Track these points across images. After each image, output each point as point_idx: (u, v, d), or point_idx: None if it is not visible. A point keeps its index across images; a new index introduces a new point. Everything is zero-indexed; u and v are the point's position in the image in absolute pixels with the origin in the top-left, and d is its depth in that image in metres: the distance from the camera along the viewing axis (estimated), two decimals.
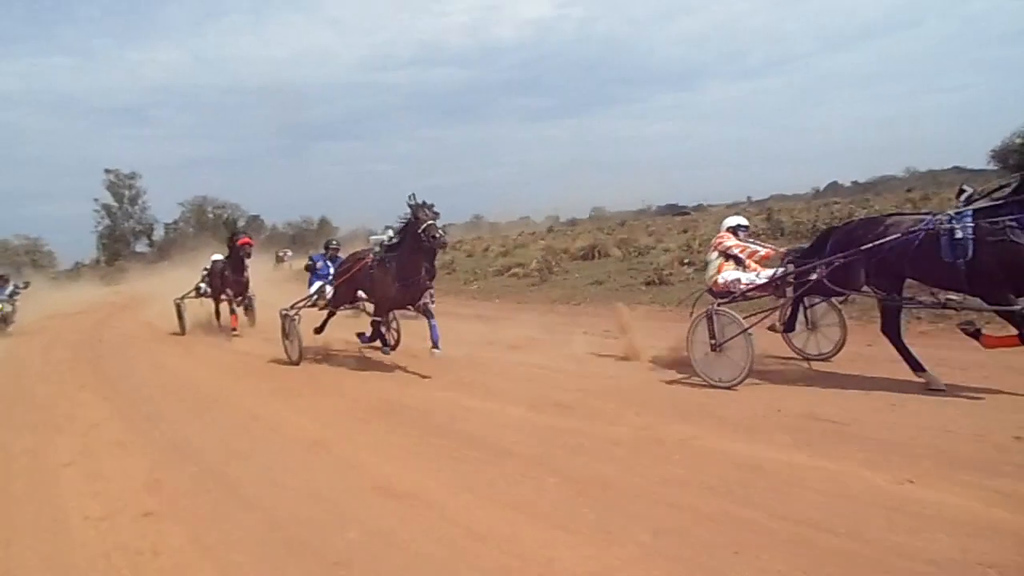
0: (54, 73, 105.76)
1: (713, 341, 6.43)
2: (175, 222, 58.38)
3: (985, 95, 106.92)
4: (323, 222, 62.38)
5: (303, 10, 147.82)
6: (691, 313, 6.91)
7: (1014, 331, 5.16)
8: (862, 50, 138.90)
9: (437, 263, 8.79)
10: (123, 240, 55.50)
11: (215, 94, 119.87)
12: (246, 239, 12.78)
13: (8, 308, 16.62)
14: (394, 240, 8.36)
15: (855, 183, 65.35)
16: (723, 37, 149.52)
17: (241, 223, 57.33)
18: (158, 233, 58.21)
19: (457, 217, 66.75)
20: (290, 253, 30.39)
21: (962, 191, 5.68)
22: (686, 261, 15.10)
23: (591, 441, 5.17)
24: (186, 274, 17.89)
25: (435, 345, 7.94)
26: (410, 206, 7.93)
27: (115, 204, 56.50)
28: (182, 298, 14.20)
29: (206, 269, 14.10)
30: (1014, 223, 5.01)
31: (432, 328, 8.01)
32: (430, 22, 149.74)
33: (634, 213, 57.57)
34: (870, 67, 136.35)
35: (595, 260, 19.47)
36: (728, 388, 6.21)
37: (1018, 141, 45.99)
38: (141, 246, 56.72)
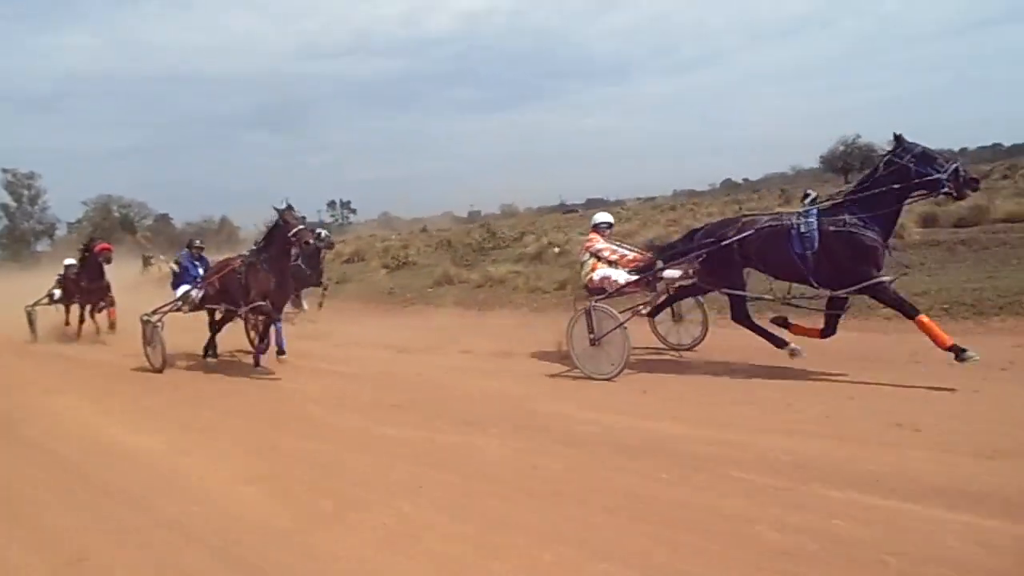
0: None
1: (592, 336, 6.71)
2: (79, 221, 55.71)
3: (899, 93, 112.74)
4: (224, 222, 59.25)
5: None
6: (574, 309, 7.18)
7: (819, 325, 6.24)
8: (787, 46, 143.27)
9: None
10: (24, 240, 53.35)
11: (135, 82, 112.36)
12: (104, 245, 12.72)
13: None
14: (260, 244, 8.43)
15: (746, 180, 69.71)
16: (654, 31, 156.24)
17: (148, 222, 56.17)
18: (61, 232, 55.79)
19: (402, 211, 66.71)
20: (162, 256, 28.59)
21: (807, 194, 6.45)
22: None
23: None
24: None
25: (280, 351, 8.43)
26: (278, 211, 8.03)
27: (13, 204, 55.20)
28: (33, 305, 13.62)
29: (59, 275, 13.61)
30: (854, 219, 5.74)
31: (277, 331, 8.40)
32: (363, 11, 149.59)
33: (534, 211, 58.92)
34: (795, 63, 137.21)
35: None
36: (607, 380, 6.51)
37: (841, 148, 51.16)
38: (43, 246, 54.00)
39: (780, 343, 6.27)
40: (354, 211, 75.86)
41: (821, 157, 51.67)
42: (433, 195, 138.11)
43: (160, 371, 8.92)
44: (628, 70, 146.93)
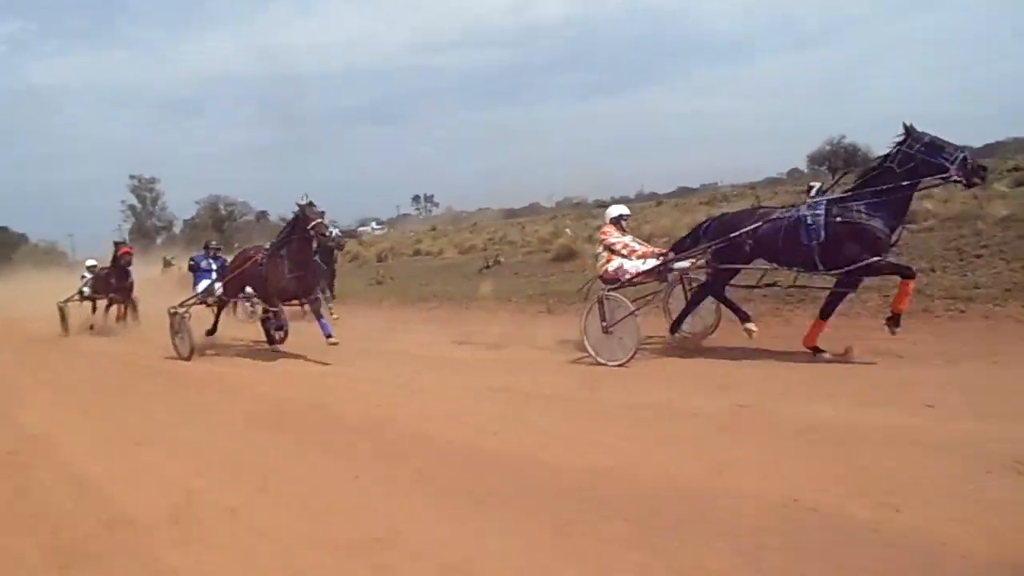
0: (113, 67, 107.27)
1: (604, 324, 6.83)
2: (193, 218, 61.89)
3: None
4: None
5: None
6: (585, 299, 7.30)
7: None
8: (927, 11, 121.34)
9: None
10: (148, 236, 58.23)
11: (264, 83, 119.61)
12: (126, 249, 13.57)
13: None
14: (279, 238, 8.80)
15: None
16: (776, 4, 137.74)
17: (248, 219, 61.48)
18: (177, 228, 62.09)
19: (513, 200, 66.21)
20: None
21: (811, 187, 6.63)
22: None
23: None
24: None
25: (327, 336, 8.30)
26: (298, 205, 8.45)
27: (139, 205, 62.72)
28: (65, 301, 14.51)
29: (84, 276, 14.82)
30: (861, 208, 5.90)
31: (322, 326, 8.40)
32: (474, 3, 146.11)
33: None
34: (932, 32, 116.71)
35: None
36: (619, 366, 6.65)
37: (828, 148, 51.99)
38: (161, 240, 58.81)
39: (745, 317, 6.70)
40: (436, 204, 77.05)
41: (809, 156, 52.14)
42: (541, 183, 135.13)
43: (188, 360, 9.22)
44: (747, 48, 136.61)
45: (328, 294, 11.55)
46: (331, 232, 9.18)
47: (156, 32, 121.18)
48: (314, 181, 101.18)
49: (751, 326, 6.56)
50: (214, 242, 11.54)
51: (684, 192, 54.03)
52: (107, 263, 13.76)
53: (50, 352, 11.78)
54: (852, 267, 5.88)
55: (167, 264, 26.29)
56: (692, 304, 7.05)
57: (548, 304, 10.66)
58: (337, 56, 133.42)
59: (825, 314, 6.17)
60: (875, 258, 5.75)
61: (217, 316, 9.76)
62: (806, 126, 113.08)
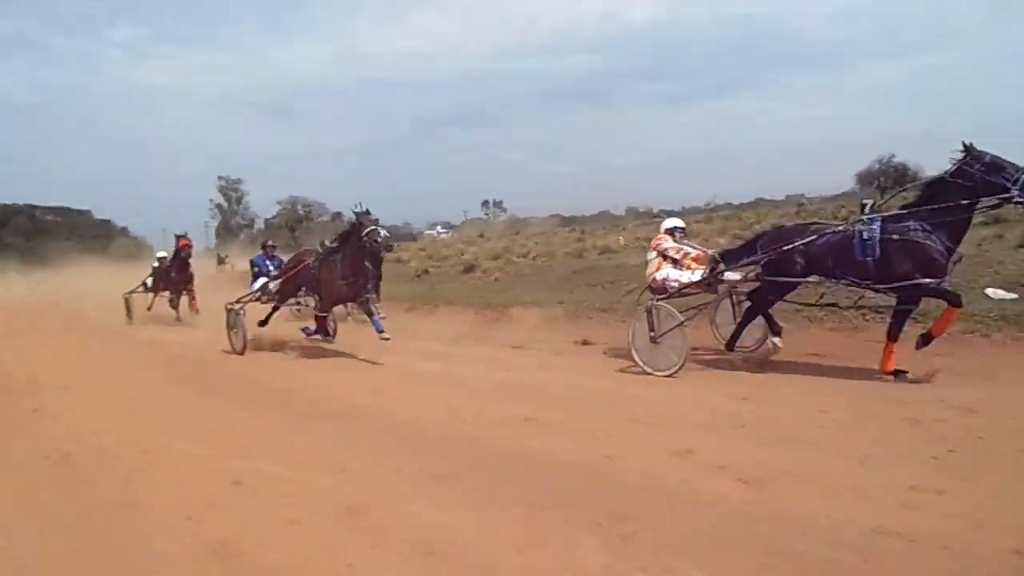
0: (214, 70, 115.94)
1: (652, 333, 6.80)
2: (273, 217, 64.78)
3: None
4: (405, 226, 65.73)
5: (436, 4, 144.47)
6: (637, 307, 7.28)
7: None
8: None
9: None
10: (232, 233, 62.70)
11: (356, 87, 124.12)
12: (185, 242, 14.18)
13: None
14: (334, 243, 9.07)
15: None
16: (876, 9, 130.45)
17: (323, 219, 62.57)
18: (258, 226, 65.59)
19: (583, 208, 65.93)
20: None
21: (864, 204, 6.57)
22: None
23: None
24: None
25: (380, 332, 8.47)
26: (355, 213, 8.77)
27: (225, 204, 66.45)
28: (130, 293, 15.30)
29: (153, 267, 15.46)
30: (917, 227, 5.79)
31: (375, 323, 8.58)
32: (562, 10, 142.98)
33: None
34: None
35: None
36: (668, 376, 6.59)
37: (877, 166, 50.89)
38: (244, 237, 62.54)
39: (776, 332, 6.76)
40: (504, 210, 76.54)
41: (857, 175, 51.18)
42: (619, 190, 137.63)
43: (241, 354, 9.58)
44: (844, 54, 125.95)
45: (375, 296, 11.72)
46: (385, 235, 9.33)
47: (255, 38, 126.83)
48: (397, 184, 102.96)
49: (778, 341, 6.63)
50: (270, 242, 11.87)
51: (760, 204, 53.11)
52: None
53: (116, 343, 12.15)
54: (902, 284, 5.82)
55: (221, 262, 27.11)
56: (745, 320, 6.98)
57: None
58: (424, 62, 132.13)
59: (893, 336, 6.02)
60: (928, 280, 5.68)
61: (271, 312, 10.08)
62: (903, 136, 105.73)
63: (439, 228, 66.52)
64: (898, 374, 5.82)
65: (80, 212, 65.40)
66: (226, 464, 4.55)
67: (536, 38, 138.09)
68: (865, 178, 49.29)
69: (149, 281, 15.28)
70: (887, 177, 50.96)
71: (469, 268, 16.67)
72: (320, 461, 4.53)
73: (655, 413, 5.35)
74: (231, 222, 66.23)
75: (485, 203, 77.40)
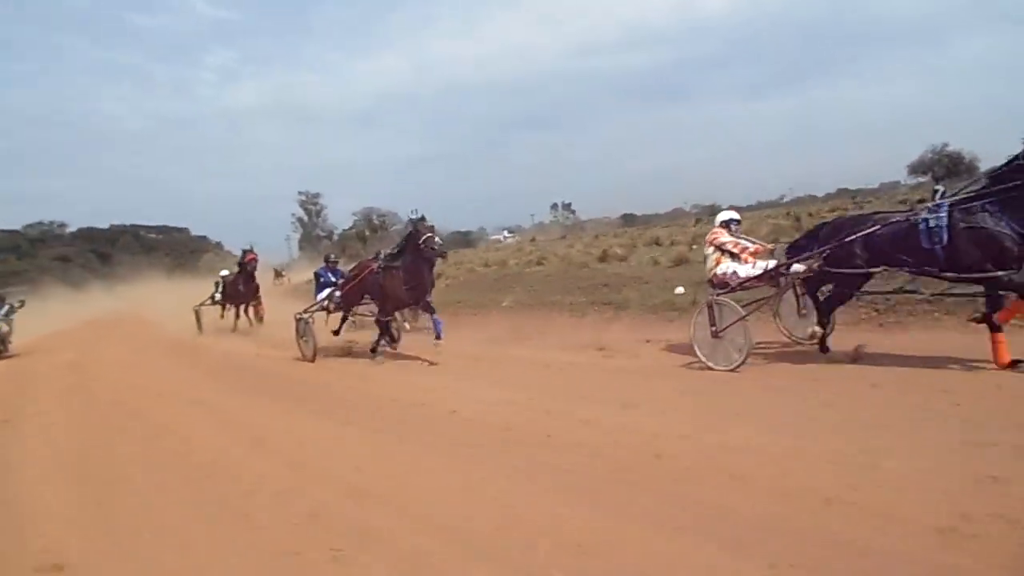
0: (299, 87, 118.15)
1: (714, 328, 6.55)
2: (351, 227, 66.70)
3: None
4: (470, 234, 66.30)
5: (509, 7, 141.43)
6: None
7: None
8: None
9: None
10: (313, 243, 63.60)
11: (433, 95, 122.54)
12: (252, 256, 14.39)
13: (4, 328, 15.09)
14: (395, 251, 9.07)
15: None
16: None
17: (397, 228, 62.55)
18: (336, 237, 67.03)
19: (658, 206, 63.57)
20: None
21: (935, 191, 6.10)
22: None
23: None
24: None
25: (438, 336, 8.60)
26: (412, 220, 8.79)
27: (305, 217, 68.49)
28: (199, 305, 15.75)
29: (217, 282, 16.05)
30: (986, 212, 5.38)
31: (435, 323, 8.65)
32: (634, 4, 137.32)
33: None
34: None
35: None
36: (730, 371, 6.32)
37: (930, 156, 48.04)
38: (322, 247, 63.61)
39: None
40: (573, 212, 74.46)
41: (909, 165, 48.45)
42: (699, 185, 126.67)
43: (312, 361, 9.65)
44: (938, 28, 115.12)
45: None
46: (436, 245, 9.26)
47: (336, 54, 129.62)
48: (475, 188, 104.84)
49: (817, 330, 6.33)
50: (332, 256, 11.99)
51: (842, 194, 49.86)
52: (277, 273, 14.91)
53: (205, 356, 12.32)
54: (975, 276, 5.46)
55: (278, 275, 27.00)
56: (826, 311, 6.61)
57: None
58: (498, 66, 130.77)
59: (995, 327, 5.55)
60: (1000, 271, 5.30)
61: (341, 321, 10.20)
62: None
63: (505, 233, 65.32)
64: (1016, 364, 5.34)
65: (179, 230, 69.15)
66: None
67: (608, 35, 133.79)
68: (918, 168, 46.40)
69: (218, 295, 15.71)
70: (940, 166, 48.12)
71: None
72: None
73: None
74: (312, 233, 67.70)
75: (554, 206, 75.28)
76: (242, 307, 14.79)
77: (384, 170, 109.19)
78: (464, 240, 61.62)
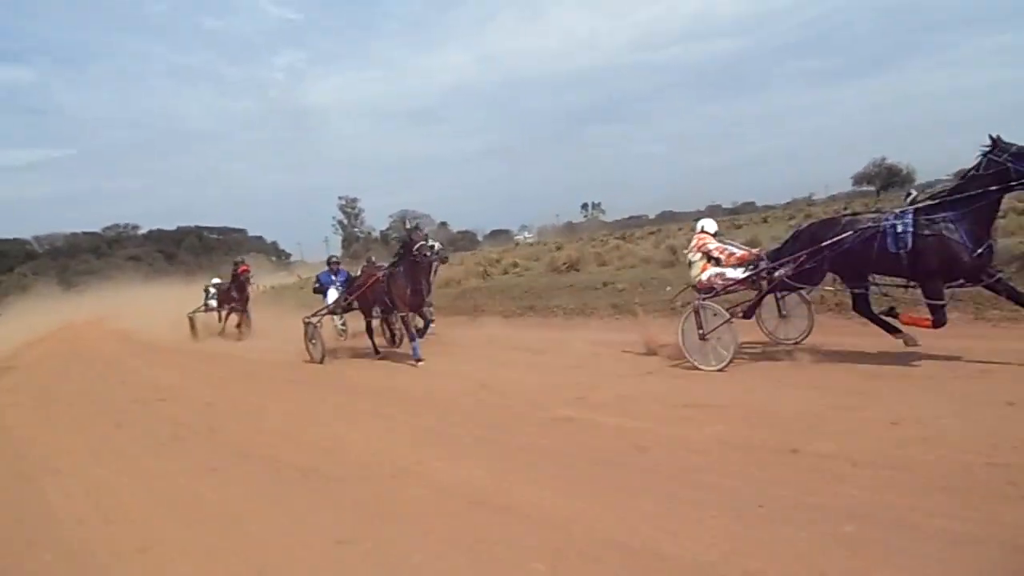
0: (364, 84, 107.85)
1: (701, 331, 6.23)
2: (388, 229, 63.88)
3: None
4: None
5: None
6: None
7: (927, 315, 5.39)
8: None
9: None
10: (351, 245, 61.21)
11: (495, 89, 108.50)
12: (244, 267, 13.94)
13: None
14: (396, 258, 8.70)
15: None
16: None
17: (432, 229, 59.49)
18: (374, 237, 64.45)
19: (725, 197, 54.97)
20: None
21: (908, 194, 5.73)
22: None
23: None
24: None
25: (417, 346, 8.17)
26: (407, 230, 8.61)
27: (346, 221, 66.44)
28: (194, 312, 14.96)
29: (207, 291, 15.27)
30: (948, 217, 5.13)
31: (412, 347, 8.22)
32: None
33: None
34: None
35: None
36: (718, 371, 5.97)
37: (872, 168, 47.14)
38: (359, 247, 62.36)
39: (895, 331, 5.66)
40: (603, 212, 67.87)
41: (853, 176, 47.62)
42: (769, 178, 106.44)
43: (321, 363, 9.10)
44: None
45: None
46: (435, 247, 8.70)
47: (401, 51, 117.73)
48: (536, 181, 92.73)
49: (905, 337, 5.60)
50: (334, 257, 11.28)
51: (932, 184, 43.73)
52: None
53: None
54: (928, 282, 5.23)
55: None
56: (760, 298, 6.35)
57: None
58: (561, 58, 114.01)
59: (936, 323, 5.30)
60: (948, 281, 5.15)
61: (368, 324, 9.51)
62: None
63: (526, 234, 59.75)
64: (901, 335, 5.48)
65: (237, 230, 67.64)
66: None
67: (673, 26, 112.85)
68: (862, 178, 45.58)
69: (213, 303, 15.08)
70: (879, 178, 47.27)
71: None
72: None
73: None
74: (351, 234, 65.80)
75: (584, 205, 68.83)
76: (238, 312, 14.18)
77: (447, 164, 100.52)
78: (491, 237, 58.26)
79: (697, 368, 6.04)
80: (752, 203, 54.70)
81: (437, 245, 9.47)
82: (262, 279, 22.02)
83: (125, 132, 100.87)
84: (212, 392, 7.98)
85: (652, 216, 56.60)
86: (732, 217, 35.87)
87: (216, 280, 15.67)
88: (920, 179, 43.26)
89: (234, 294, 13.96)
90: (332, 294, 10.05)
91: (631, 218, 57.89)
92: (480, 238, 62.68)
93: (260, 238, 65.43)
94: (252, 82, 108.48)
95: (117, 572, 3.26)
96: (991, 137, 5.12)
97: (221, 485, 4.34)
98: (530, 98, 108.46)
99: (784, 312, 6.53)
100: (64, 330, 20.54)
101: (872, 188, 44.06)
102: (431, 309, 10.29)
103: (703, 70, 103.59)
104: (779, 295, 6.44)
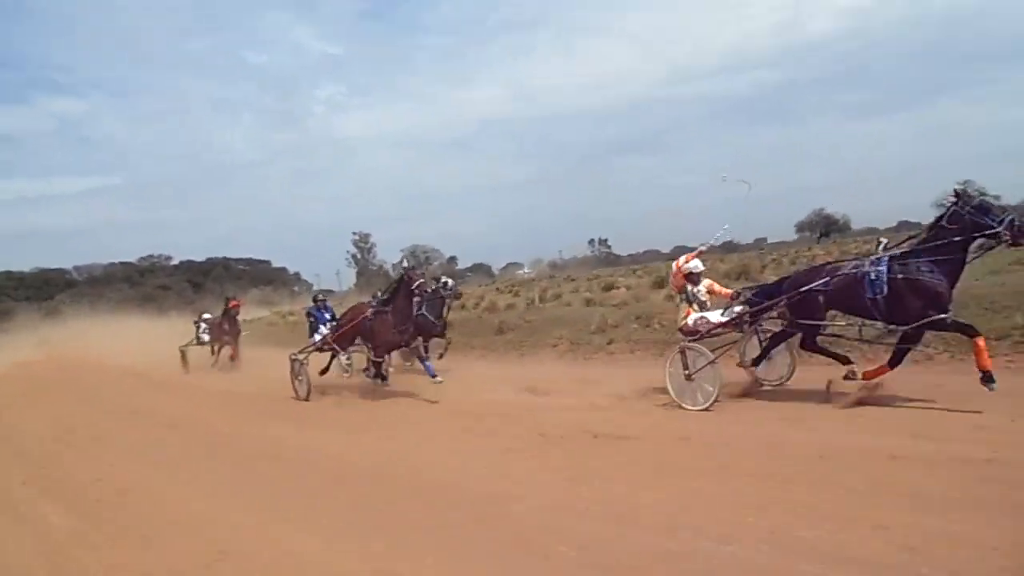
0: (400, 116, 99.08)
1: (686, 372, 5.85)
2: (400, 262, 61.27)
3: None
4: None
5: (605, 33, 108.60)
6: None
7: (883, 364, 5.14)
8: None
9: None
10: (365, 277, 58.03)
11: (527, 122, 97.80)
12: (235, 303, 13.37)
13: None
14: (385, 296, 7.96)
15: None
16: None
17: (435, 264, 57.42)
18: (386, 270, 61.77)
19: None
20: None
21: (879, 242, 5.41)
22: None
23: None
24: None
25: (432, 375, 7.37)
26: (403, 268, 8.06)
27: (359, 255, 62.32)
28: (185, 345, 13.81)
29: (198, 325, 14.10)
30: (920, 264, 4.87)
31: (426, 367, 7.61)
32: (734, 28, 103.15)
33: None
34: None
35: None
36: (704, 410, 5.53)
37: (814, 218, 47.46)
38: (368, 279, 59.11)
39: (845, 360, 5.39)
40: (610, 247, 62.38)
41: (796, 224, 47.63)
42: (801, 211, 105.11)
43: (306, 400, 8.25)
44: None
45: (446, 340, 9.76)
46: (447, 283, 8.60)
47: (434, 85, 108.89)
48: (569, 212, 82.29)
49: (852, 370, 5.28)
50: (320, 295, 10.35)
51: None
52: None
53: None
54: (918, 324, 4.84)
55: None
56: (771, 346, 5.86)
57: None
58: (596, 92, 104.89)
59: (893, 364, 5.06)
60: (940, 315, 4.77)
61: (330, 360, 8.81)
62: None
63: (525, 268, 55.59)
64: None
65: (262, 261, 64.26)
66: None
67: (708, 59, 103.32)
68: (805, 227, 45.66)
69: (205, 336, 13.94)
70: (817, 227, 47.56)
71: None
72: None
73: None
74: (367, 268, 61.93)
75: (592, 241, 62.84)
76: (224, 347, 13.46)
77: (480, 196, 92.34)
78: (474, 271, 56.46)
79: (684, 407, 5.51)
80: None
81: (450, 282, 8.93)
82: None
83: (167, 164, 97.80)
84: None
85: (667, 250, 48.26)
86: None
87: (207, 315, 14.60)
88: (856, 227, 44.08)
89: (226, 327, 13.27)
90: (323, 330, 9.10)
91: (646, 252, 52.53)
92: (495, 271, 58.53)
93: (283, 269, 62.69)
94: (291, 115, 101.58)
95: None
96: (955, 190, 4.88)
97: None
98: (565, 132, 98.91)
99: (769, 354, 5.98)
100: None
101: (814, 235, 44.55)
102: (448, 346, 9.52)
103: (737, 102, 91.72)
104: (762, 336, 5.94)
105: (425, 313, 8.55)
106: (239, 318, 13.41)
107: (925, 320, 4.78)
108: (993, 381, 4.63)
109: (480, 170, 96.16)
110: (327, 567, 3.09)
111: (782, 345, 5.97)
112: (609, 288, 16.39)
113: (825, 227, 48.38)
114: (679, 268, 6.17)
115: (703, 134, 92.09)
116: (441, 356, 9.08)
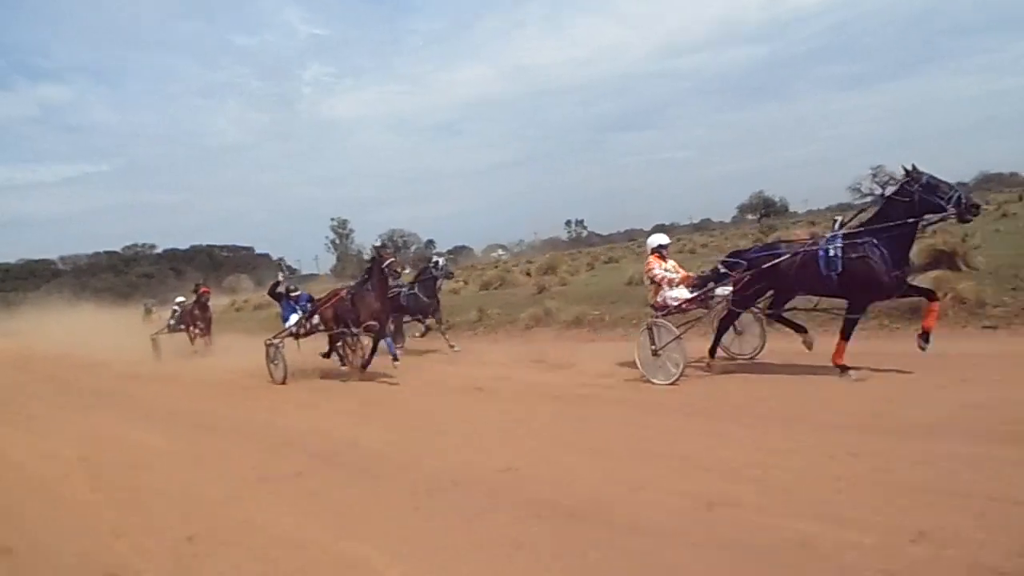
0: (392, 98, 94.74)
1: (654, 348, 5.57)
2: (376, 247, 57.88)
3: None
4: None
5: (595, 10, 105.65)
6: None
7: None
8: None
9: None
10: (343, 262, 57.52)
11: (517, 101, 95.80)
12: (205, 289, 12.57)
13: None
14: (364, 276, 7.53)
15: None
16: None
17: (418, 248, 56.56)
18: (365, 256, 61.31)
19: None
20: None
21: (835, 220, 5.17)
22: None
23: None
24: None
25: (394, 357, 7.06)
26: (374, 248, 7.50)
27: (338, 240, 60.94)
28: (156, 334, 13.13)
29: (174, 310, 13.63)
30: (872, 242, 4.69)
31: (388, 344, 7.23)
32: (723, 2, 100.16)
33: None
34: None
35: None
36: (669, 385, 5.25)
37: (754, 201, 48.05)
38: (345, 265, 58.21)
39: (801, 329, 5.34)
40: (585, 228, 61.23)
41: (738, 206, 48.17)
42: (800, 184, 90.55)
43: (284, 384, 7.68)
44: None
45: (437, 320, 9.03)
46: (439, 263, 8.18)
47: (425, 66, 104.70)
48: (559, 192, 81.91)
49: (809, 338, 5.35)
50: (291, 285, 9.33)
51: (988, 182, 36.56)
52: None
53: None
54: (862, 299, 4.77)
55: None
56: (720, 331, 5.61)
57: None
58: (586, 69, 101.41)
59: (846, 336, 4.84)
60: (883, 294, 4.76)
61: (331, 347, 8.09)
62: None
63: (500, 251, 54.32)
64: (844, 369, 4.72)
65: (246, 248, 62.67)
66: None
67: (697, 34, 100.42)
68: (746, 209, 46.25)
69: (172, 322, 13.31)
70: (756, 209, 48.15)
71: None
72: None
73: None
74: (346, 254, 61.41)
75: (568, 223, 61.56)
76: (200, 330, 12.73)
77: (470, 175, 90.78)
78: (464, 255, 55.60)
79: (650, 381, 5.29)
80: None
81: (441, 261, 8.52)
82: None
83: (155, 147, 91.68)
84: None
85: (647, 229, 50.37)
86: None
87: (180, 299, 14.00)
88: (793, 209, 44.86)
89: (197, 312, 12.62)
90: (293, 317, 8.20)
91: (627, 231, 52.91)
92: (478, 253, 57.43)
93: (267, 256, 60.00)
94: (280, 97, 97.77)
95: None
96: (905, 169, 4.71)
97: None
98: (554, 109, 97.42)
99: (739, 329, 5.88)
100: None
101: (754, 217, 45.21)
102: (433, 321, 8.91)
103: (726, 77, 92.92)
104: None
105: (417, 293, 8.35)
106: (210, 304, 12.87)
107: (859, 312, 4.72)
108: (928, 341, 4.60)
109: (467, 151, 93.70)
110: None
111: (753, 321, 5.75)
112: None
113: (765, 208, 49.30)
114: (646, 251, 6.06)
115: (695, 109, 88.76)
116: (423, 335, 8.80)
